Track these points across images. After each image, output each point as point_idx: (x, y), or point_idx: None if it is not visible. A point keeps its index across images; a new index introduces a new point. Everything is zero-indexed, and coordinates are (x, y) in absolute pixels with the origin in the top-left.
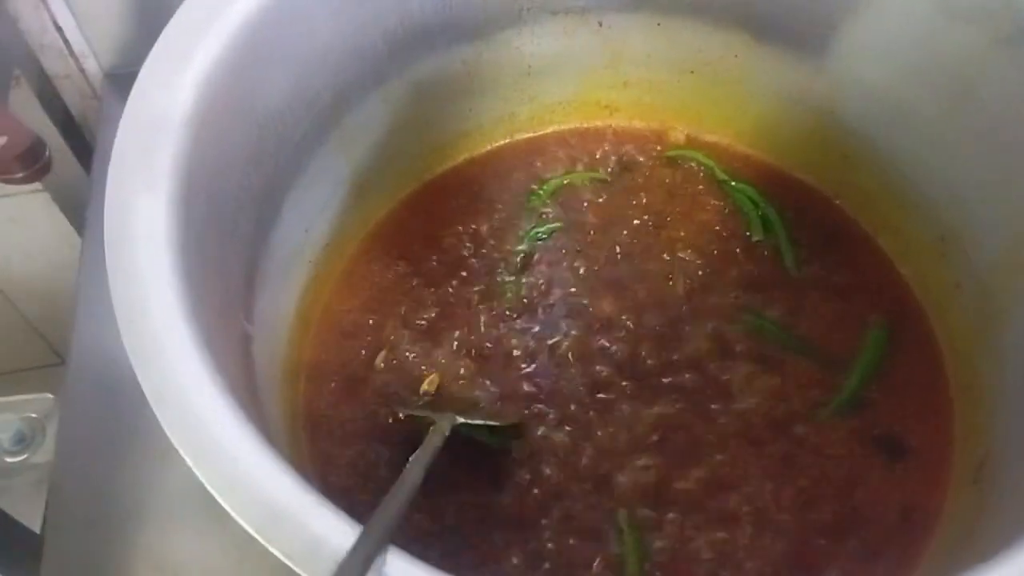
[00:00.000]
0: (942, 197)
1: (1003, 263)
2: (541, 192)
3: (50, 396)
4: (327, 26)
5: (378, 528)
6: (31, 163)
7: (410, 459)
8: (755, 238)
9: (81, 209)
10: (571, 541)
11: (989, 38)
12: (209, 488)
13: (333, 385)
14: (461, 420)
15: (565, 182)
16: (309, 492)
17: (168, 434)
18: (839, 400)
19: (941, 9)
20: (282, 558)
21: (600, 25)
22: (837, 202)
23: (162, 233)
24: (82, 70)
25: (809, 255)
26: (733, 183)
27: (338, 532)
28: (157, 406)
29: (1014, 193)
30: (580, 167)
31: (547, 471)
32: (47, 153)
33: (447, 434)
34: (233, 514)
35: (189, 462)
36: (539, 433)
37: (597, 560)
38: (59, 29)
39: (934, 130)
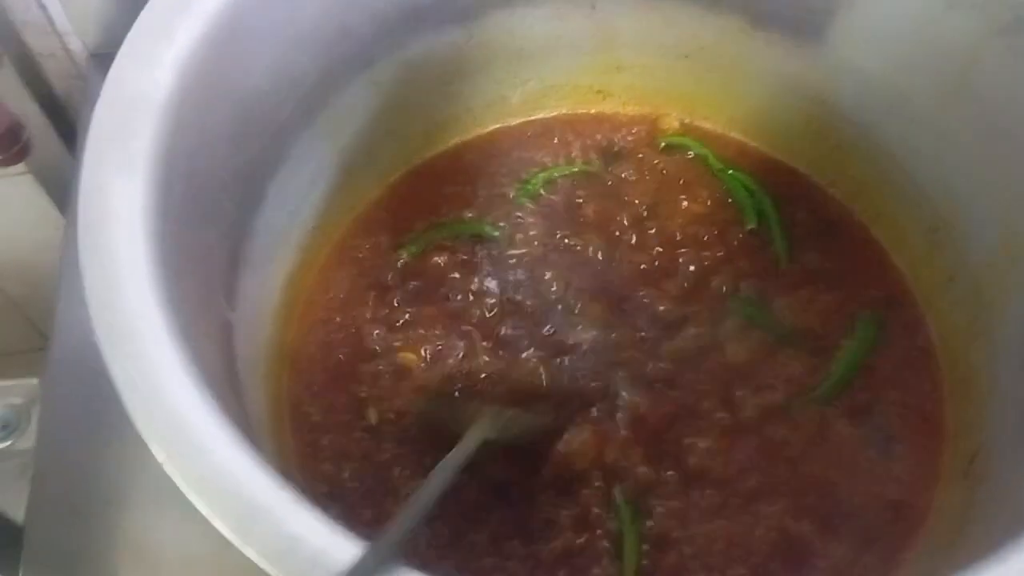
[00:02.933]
0: (937, 188)
1: (997, 256)
2: (533, 182)
3: (34, 381)
4: (313, 5)
5: (389, 540)
6: (9, 146)
7: (440, 464)
8: (749, 226)
9: (65, 190)
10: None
11: (986, 27)
12: (179, 483)
13: (319, 374)
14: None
15: (556, 175)
16: (285, 489)
17: (137, 426)
18: (826, 386)
19: None
20: (256, 559)
21: (593, 8)
22: (831, 191)
23: (138, 216)
24: (66, 49)
25: (803, 244)
26: (729, 171)
27: (314, 532)
28: (126, 395)
29: (1009, 186)
30: (573, 153)
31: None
32: (26, 136)
33: (488, 436)
34: (205, 512)
35: (158, 456)
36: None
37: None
38: (42, 7)
39: (930, 120)
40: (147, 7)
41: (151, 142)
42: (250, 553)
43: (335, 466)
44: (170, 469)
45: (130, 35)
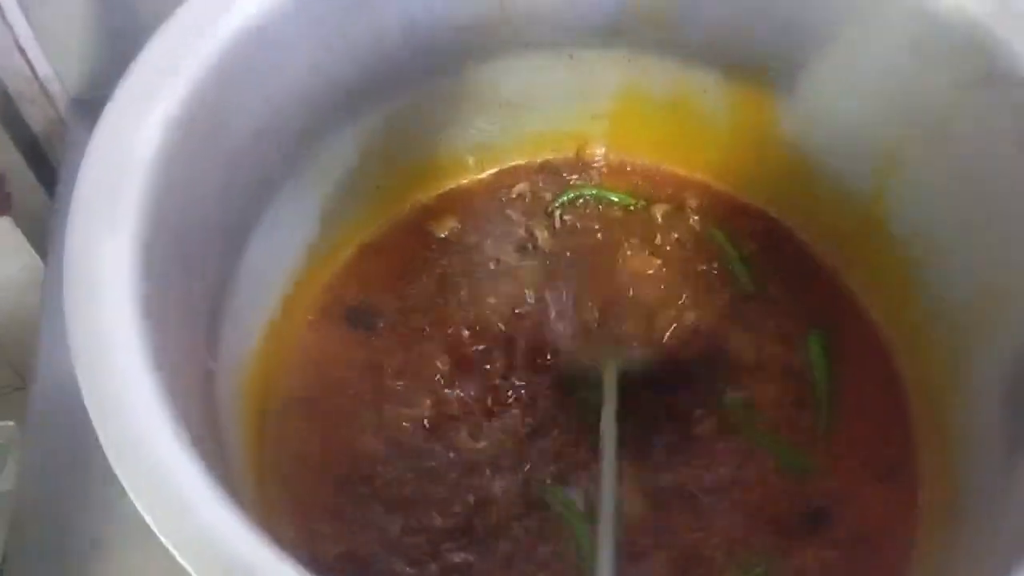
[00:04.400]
0: (911, 235)
1: (973, 304)
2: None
3: (11, 423)
4: (299, 59)
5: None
6: None
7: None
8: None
9: (44, 234)
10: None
11: (959, 80)
12: (167, 544)
13: (305, 422)
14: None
15: (533, 223)
16: (268, 547)
17: (128, 491)
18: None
19: (911, 50)
20: None
21: (571, 58)
22: (804, 238)
23: (125, 278)
24: (47, 94)
25: (775, 290)
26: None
27: None
28: (113, 458)
29: (983, 233)
30: (550, 197)
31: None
32: (7, 190)
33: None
34: (190, 570)
35: (146, 517)
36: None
37: None
38: (22, 51)
39: (903, 168)
40: (133, 66)
41: (137, 202)
42: None
43: (322, 519)
44: (157, 529)
45: (116, 95)
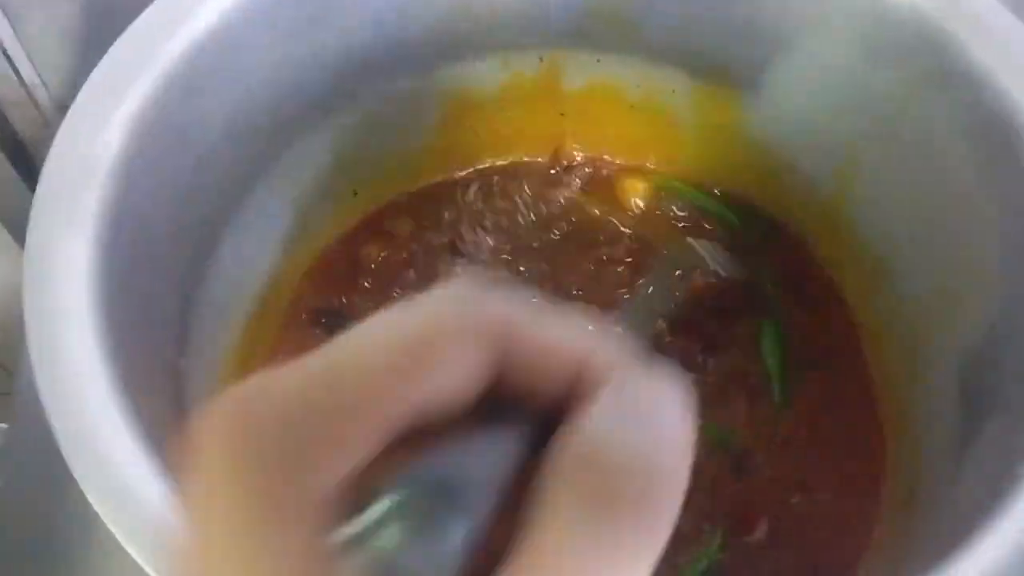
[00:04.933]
0: (876, 232)
1: (930, 297)
2: (478, 231)
3: (4, 426)
4: (268, 61)
5: None
6: None
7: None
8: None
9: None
10: None
11: (911, 81)
12: (116, 534)
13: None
14: None
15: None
16: None
17: (78, 479)
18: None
19: (864, 52)
20: None
21: (540, 60)
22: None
23: (83, 275)
24: (32, 99)
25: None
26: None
27: None
28: (67, 451)
29: (939, 234)
30: (523, 199)
31: None
32: None
33: None
34: (140, 562)
35: (96, 507)
36: None
37: None
38: (8, 58)
39: (866, 166)
40: (98, 66)
41: (99, 201)
42: None
43: None
44: (107, 520)
45: (80, 95)
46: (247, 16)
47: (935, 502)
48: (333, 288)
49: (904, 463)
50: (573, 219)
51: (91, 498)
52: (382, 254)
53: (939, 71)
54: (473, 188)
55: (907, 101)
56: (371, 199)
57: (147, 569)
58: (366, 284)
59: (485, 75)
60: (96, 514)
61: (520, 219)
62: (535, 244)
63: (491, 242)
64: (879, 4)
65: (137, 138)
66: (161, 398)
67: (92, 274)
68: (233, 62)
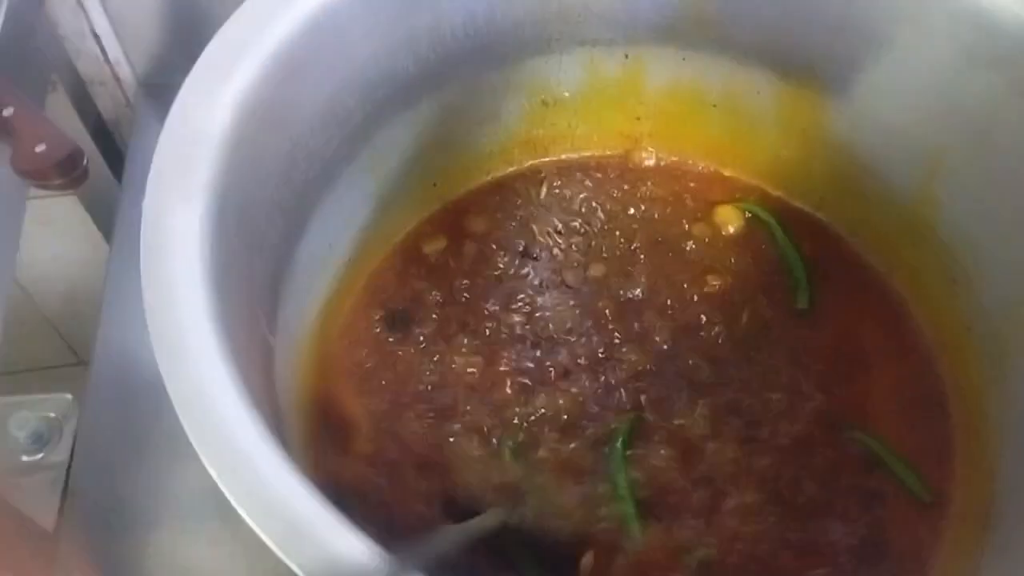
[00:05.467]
0: (957, 239)
1: (1014, 308)
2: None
3: (68, 396)
4: (361, 48)
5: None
6: (69, 171)
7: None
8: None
9: (109, 215)
10: None
11: (1010, 87)
12: (231, 498)
13: (353, 403)
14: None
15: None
16: (330, 511)
17: (192, 442)
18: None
19: (963, 55)
20: (299, 572)
21: (626, 57)
22: (852, 240)
23: (195, 245)
24: (117, 77)
25: (822, 292)
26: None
27: (357, 552)
28: (183, 414)
29: None
30: (603, 196)
31: None
32: (85, 162)
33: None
34: (254, 526)
35: (211, 472)
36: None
37: None
38: (96, 36)
39: (951, 173)
40: (209, 47)
41: (209, 175)
42: (293, 567)
43: (360, 503)
44: (222, 484)
45: (192, 74)
46: (347, 5)
47: (1013, 517)
48: (402, 282)
49: (978, 477)
50: (645, 223)
51: (205, 459)
52: (456, 250)
53: None
54: (547, 185)
55: (1005, 108)
56: (449, 190)
57: (259, 532)
58: (448, 265)
59: (570, 70)
60: (165, 482)
61: (592, 221)
62: (604, 248)
63: (562, 243)
64: (980, 8)
65: (243, 117)
66: (259, 371)
67: (203, 246)
68: (333, 48)
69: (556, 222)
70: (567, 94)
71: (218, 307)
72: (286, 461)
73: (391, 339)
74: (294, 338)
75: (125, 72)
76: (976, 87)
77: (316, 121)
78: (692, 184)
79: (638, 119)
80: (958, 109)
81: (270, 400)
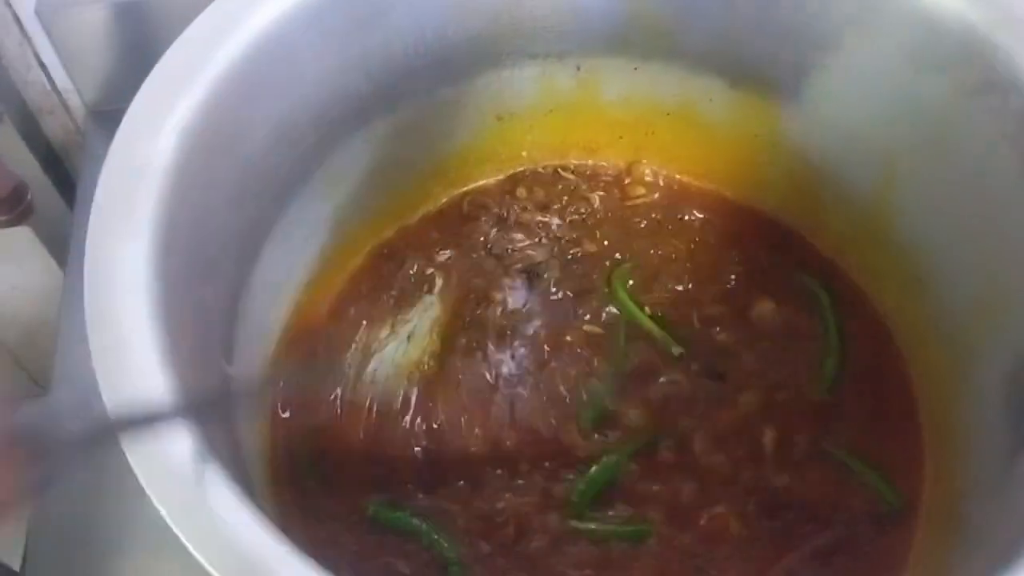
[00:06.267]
0: (917, 240)
1: (976, 306)
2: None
3: None
4: (312, 69)
5: None
6: (14, 207)
7: None
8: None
9: (63, 243)
10: None
11: (957, 88)
12: (182, 538)
13: (316, 427)
14: None
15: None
16: (283, 543)
17: (141, 481)
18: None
19: (910, 59)
20: None
21: (578, 69)
22: (813, 243)
23: (142, 281)
24: (65, 106)
25: (785, 298)
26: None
27: None
28: (130, 454)
29: (984, 238)
30: (559, 206)
31: None
32: (29, 196)
33: None
34: (206, 565)
35: (161, 510)
36: None
37: None
38: (42, 65)
39: (907, 174)
40: (150, 76)
41: (154, 208)
42: None
43: (331, 523)
44: (172, 524)
45: (133, 104)
46: (298, 23)
47: (980, 517)
48: (376, 290)
49: (946, 475)
50: (611, 227)
51: (155, 500)
52: (416, 265)
53: (985, 80)
54: (509, 195)
55: (953, 109)
56: (406, 208)
57: (212, 572)
58: (411, 284)
59: (523, 84)
60: (128, 511)
61: (554, 227)
62: (568, 253)
63: (522, 248)
64: (926, 12)
65: (189, 145)
66: (212, 405)
67: (150, 281)
68: (283, 69)
69: (519, 237)
70: (522, 108)
71: (168, 345)
72: (239, 496)
73: None
74: (253, 364)
75: (74, 100)
76: (924, 90)
77: (268, 144)
78: (650, 191)
79: (594, 129)
80: (908, 112)
81: (225, 432)
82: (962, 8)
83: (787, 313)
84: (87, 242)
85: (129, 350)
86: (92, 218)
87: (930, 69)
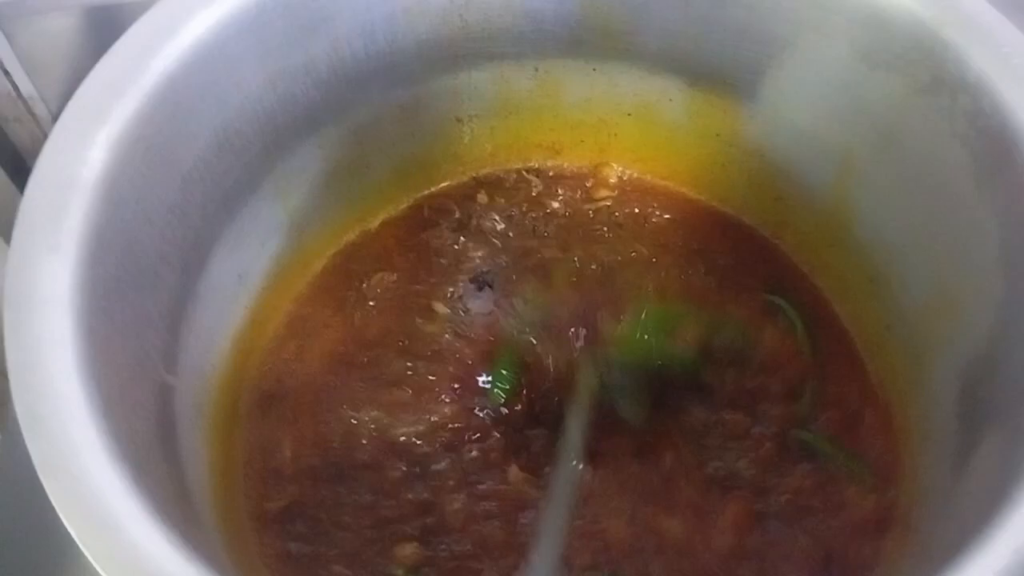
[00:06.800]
0: (872, 239)
1: (929, 306)
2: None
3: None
4: (255, 76)
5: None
6: None
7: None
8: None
9: None
10: None
11: (909, 87)
12: (95, 564)
13: (276, 437)
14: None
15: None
16: (196, 564)
17: (56, 507)
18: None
19: (861, 57)
20: None
21: (536, 71)
22: (775, 242)
23: (65, 295)
24: (32, 114)
25: (748, 297)
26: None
27: None
28: (43, 474)
29: (937, 238)
30: (523, 208)
31: None
32: None
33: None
34: None
35: (75, 537)
36: None
37: None
38: (7, 74)
39: (863, 173)
40: (82, 86)
41: (82, 221)
42: None
43: (292, 540)
44: (83, 546)
45: (63, 115)
46: (236, 30)
47: (933, 517)
48: (335, 296)
49: (900, 478)
50: (575, 229)
51: (67, 523)
52: (376, 273)
53: (938, 78)
54: (470, 199)
55: (905, 108)
56: (366, 213)
57: None
58: (360, 303)
59: (481, 86)
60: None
61: (517, 231)
62: (531, 257)
63: (486, 254)
64: (876, 10)
65: (121, 156)
66: (148, 417)
67: (75, 296)
68: (223, 77)
69: (479, 241)
70: (482, 110)
71: (92, 360)
72: (155, 520)
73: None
74: (201, 375)
75: (40, 108)
76: (877, 88)
77: (210, 153)
78: (614, 192)
79: (554, 131)
80: (862, 110)
81: (164, 446)
82: (913, 6)
83: (755, 322)
84: (9, 254)
85: (47, 368)
86: (15, 231)
87: (882, 67)
